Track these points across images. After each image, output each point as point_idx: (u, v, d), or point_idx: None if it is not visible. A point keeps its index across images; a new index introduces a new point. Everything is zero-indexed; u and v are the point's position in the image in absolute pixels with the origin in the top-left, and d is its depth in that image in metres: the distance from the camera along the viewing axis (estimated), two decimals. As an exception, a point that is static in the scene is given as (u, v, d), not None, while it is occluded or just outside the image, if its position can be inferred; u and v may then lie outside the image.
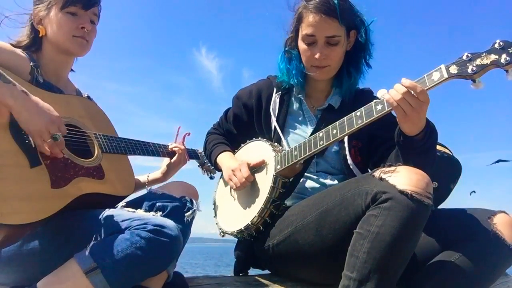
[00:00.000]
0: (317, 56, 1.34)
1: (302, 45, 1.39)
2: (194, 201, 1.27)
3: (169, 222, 1.06)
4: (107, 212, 1.10)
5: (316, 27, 1.32)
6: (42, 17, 1.26)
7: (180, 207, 1.22)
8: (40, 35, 1.26)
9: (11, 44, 1.24)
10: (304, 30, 1.36)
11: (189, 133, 1.69)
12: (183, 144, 1.63)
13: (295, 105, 1.50)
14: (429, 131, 1.12)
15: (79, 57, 1.35)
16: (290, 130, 1.46)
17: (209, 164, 1.80)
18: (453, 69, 1.02)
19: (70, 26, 1.24)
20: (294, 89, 1.50)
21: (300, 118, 1.48)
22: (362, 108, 1.15)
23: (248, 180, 1.36)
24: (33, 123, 0.99)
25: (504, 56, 0.97)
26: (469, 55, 1.02)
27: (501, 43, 0.99)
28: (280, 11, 1.47)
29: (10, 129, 1.02)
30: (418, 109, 1.05)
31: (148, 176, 1.59)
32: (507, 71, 0.98)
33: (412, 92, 1.04)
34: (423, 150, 1.13)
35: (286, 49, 1.48)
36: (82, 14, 1.26)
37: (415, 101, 1.04)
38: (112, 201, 1.22)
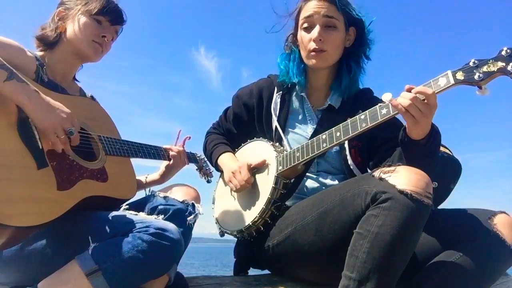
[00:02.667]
0: (315, 36, 1.35)
1: (301, 33, 1.41)
2: (196, 205, 1.27)
3: (170, 226, 1.06)
4: (109, 214, 1.10)
5: (315, 8, 1.36)
6: (67, 15, 1.29)
7: (182, 211, 1.22)
8: (59, 31, 1.28)
9: (37, 37, 1.28)
10: (303, 15, 1.39)
11: (190, 137, 1.69)
12: (183, 147, 1.64)
13: (295, 104, 1.50)
14: (434, 134, 1.12)
15: (89, 62, 1.38)
16: (291, 129, 1.46)
17: (207, 168, 1.80)
18: (460, 75, 1.02)
19: (92, 31, 1.28)
20: (295, 88, 1.50)
21: (300, 117, 1.48)
22: (367, 111, 1.15)
23: (248, 182, 1.36)
24: (47, 120, 1.02)
25: (511, 63, 0.97)
26: (476, 61, 1.02)
27: (508, 51, 0.99)
28: (279, 11, 1.49)
29: (18, 129, 1.02)
30: (428, 114, 1.05)
31: (146, 177, 1.59)
32: None
33: (421, 97, 1.04)
34: (428, 153, 1.13)
35: (287, 43, 1.50)
36: (107, 26, 1.32)
37: (424, 106, 1.04)
38: (115, 203, 1.22)
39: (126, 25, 1.38)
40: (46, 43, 1.28)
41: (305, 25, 1.39)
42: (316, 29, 1.35)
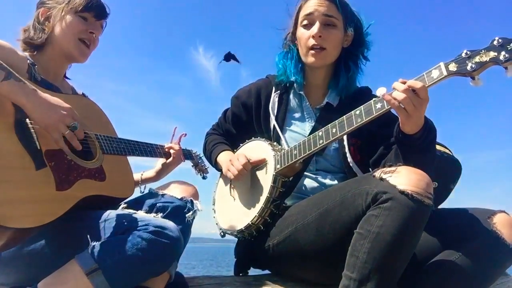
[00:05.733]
0: (314, 32, 1.35)
1: (300, 31, 1.41)
2: (194, 202, 1.27)
3: (170, 224, 1.07)
4: (108, 213, 1.10)
5: (315, 6, 1.37)
6: (51, 14, 1.28)
7: (181, 208, 1.22)
8: (46, 32, 1.27)
9: (23, 40, 1.27)
10: (303, 12, 1.40)
11: (185, 134, 1.70)
12: (179, 145, 1.64)
13: (294, 102, 1.51)
14: (428, 128, 1.12)
15: (75, 63, 1.38)
16: (289, 128, 1.47)
17: (203, 164, 1.80)
18: (452, 67, 1.02)
19: (80, 28, 1.28)
20: (293, 86, 1.50)
21: (298, 116, 1.48)
22: (361, 106, 1.15)
23: (245, 167, 1.35)
24: (48, 117, 1.01)
25: (503, 53, 0.97)
26: (468, 52, 1.02)
27: (499, 40, 0.99)
28: (279, 11, 1.50)
29: (15, 130, 1.02)
30: (420, 107, 1.05)
31: (142, 174, 1.60)
32: (506, 68, 0.98)
33: (413, 91, 1.04)
34: (422, 147, 1.13)
35: (285, 41, 1.50)
36: (93, 22, 1.32)
37: (417, 100, 1.04)
38: (113, 202, 1.22)
39: (125, 25, 1.39)
40: (34, 46, 1.27)
41: (305, 22, 1.39)
42: (316, 25, 1.36)
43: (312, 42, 1.37)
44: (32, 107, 1.00)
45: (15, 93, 0.98)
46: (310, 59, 1.40)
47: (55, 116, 1.03)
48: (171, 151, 1.58)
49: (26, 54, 1.24)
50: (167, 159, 1.59)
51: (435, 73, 1.04)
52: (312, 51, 1.38)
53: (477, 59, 1.00)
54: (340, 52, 1.43)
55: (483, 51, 1.00)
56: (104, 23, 1.38)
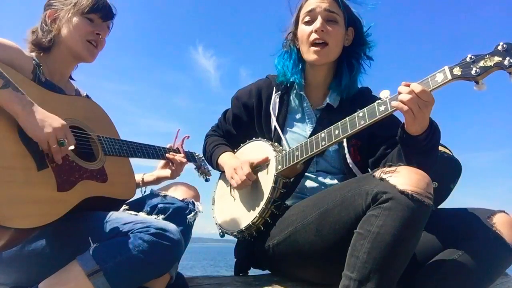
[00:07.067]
0: (317, 26, 1.35)
1: (301, 28, 1.41)
2: (195, 203, 1.27)
3: (171, 226, 1.07)
4: (110, 215, 1.10)
5: (317, 3, 1.37)
6: (58, 16, 1.28)
7: (182, 209, 1.22)
8: (53, 34, 1.27)
9: (31, 42, 1.27)
10: (304, 10, 1.40)
11: (188, 136, 1.69)
12: (182, 147, 1.63)
13: (294, 103, 1.51)
14: (433, 130, 1.12)
15: (84, 62, 1.38)
16: (290, 129, 1.47)
17: (205, 167, 1.80)
18: (457, 71, 1.03)
19: (87, 30, 1.28)
20: (294, 87, 1.50)
21: (299, 116, 1.48)
22: (365, 108, 1.15)
23: (249, 178, 1.35)
24: (40, 130, 1.01)
25: (507, 58, 0.97)
26: (472, 57, 1.03)
27: (504, 45, 0.99)
28: (280, 10, 1.50)
29: (18, 131, 1.02)
30: (424, 109, 1.06)
31: (142, 178, 1.58)
32: (510, 73, 0.98)
33: (418, 94, 1.04)
34: (426, 149, 1.13)
35: (286, 41, 1.50)
36: (99, 23, 1.32)
37: (422, 102, 1.05)
38: (114, 204, 1.23)
39: (124, 24, 1.38)
40: (42, 47, 1.27)
41: (307, 18, 1.39)
42: (319, 20, 1.36)
43: (314, 36, 1.36)
44: (26, 118, 1.00)
45: (11, 102, 0.98)
46: (312, 57, 1.39)
47: (47, 130, 1.02)
48: (172, 167, 1.54)
49: (33, 55, 1.24)
50: (167, 166, 1.58)
51: (439, 77, 1.05)
52: (315, 48, 1.37)
53: (481, 63, 1.01)
54: (341, 50, 1.43)
55: (487, 55, 1.01)
56: (110, 24, 1.38)
